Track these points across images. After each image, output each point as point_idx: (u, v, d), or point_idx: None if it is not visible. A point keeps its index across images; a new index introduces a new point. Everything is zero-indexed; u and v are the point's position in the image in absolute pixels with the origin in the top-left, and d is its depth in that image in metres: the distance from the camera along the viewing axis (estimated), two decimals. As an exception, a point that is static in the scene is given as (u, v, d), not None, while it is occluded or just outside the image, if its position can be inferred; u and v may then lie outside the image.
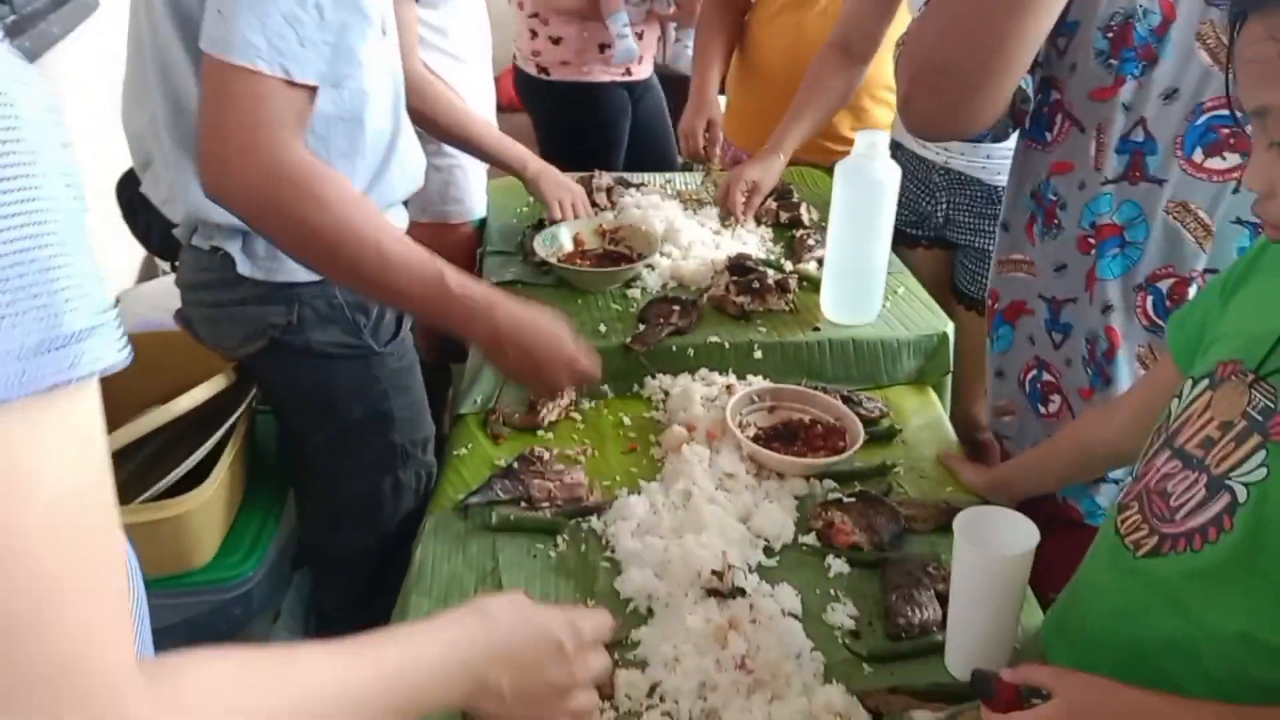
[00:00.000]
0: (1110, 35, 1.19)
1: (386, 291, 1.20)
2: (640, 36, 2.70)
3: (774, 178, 1.98)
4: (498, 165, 1.97)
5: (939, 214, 1.95)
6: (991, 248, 1.87)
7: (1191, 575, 0.87)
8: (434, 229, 2.05)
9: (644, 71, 2.75)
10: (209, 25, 1.07)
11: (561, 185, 1.95)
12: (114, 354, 0.48)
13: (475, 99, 2.05)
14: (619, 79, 2.72)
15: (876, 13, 1.92)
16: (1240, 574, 0.84)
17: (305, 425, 1.43)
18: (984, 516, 1.05)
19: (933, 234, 1.99)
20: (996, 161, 1.85)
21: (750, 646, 1.07)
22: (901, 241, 1.94)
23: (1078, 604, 1.01)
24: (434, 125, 1.85)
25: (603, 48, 2.65)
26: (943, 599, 1.16)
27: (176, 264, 1.42)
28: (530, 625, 0.80)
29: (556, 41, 2.66)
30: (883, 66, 2.05)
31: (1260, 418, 0.84)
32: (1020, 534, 1.02)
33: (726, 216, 2.00)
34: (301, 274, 1.29)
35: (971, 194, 1.91)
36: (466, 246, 2.12)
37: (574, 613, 0.85)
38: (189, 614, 1.34)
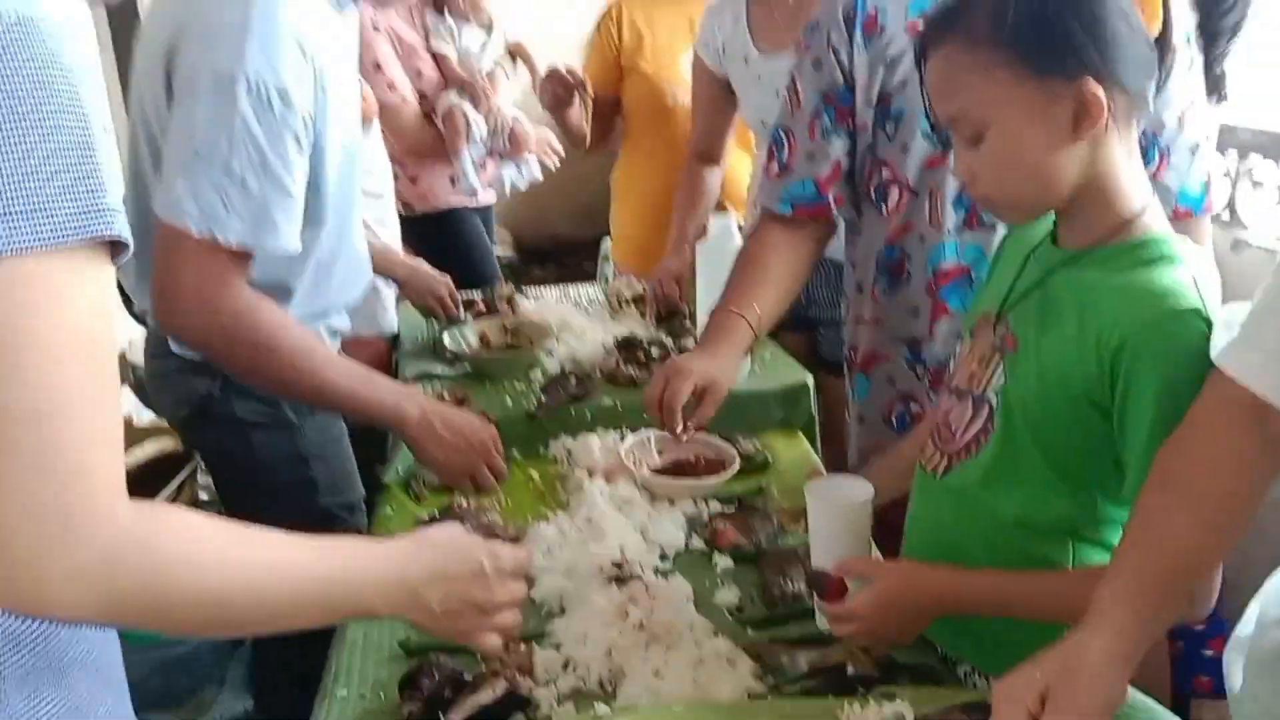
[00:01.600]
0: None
1: (327, 392, 1.44)
2: (483, 167, 2.97)
3: (690, 267, 2.23)
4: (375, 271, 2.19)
5: (801, 296, 2.22)
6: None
7: (975, 479, 1.11)
8: (347, 343, 2.25)
9: (489, 198, 3.04)
10: (160, 192, 1.32)
11: (426, 290, 2.20)
12: (129, 239, 0.70)
13: (386, 232, 2.32)
14: (469, 205, 2.97)
15: (722, 121, 2.28)
16: (1006, 467, 1.08)
17: (237, 487, 1.59)
18: (830, 482, 1.27)
19: (795, 318, 2.25)
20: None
21: (648, 614, 1.25)
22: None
23: (909, 533, 1.23)
24: None
25: (453, 180, 2.92)
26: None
27: None
28: (456, 549, 0.97)
29: (414, 180, 2.91)
30: (738, 172, 2.40)
31: (1000, 343, 1.10)
32: (859, 491, 1.23)
33: (615, 311, 2.30)
34: None
35: (827, 273, 2.18)
36: (379, 359, 2.32)
37: (495, 544, 1.02)
38: (135, 675, 1.44)
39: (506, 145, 2.91)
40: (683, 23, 2.46)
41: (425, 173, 2.89)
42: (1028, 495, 1.08)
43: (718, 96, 2.24)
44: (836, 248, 2.15)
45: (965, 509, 1.13)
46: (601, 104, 2.57)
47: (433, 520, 1.53)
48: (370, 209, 2.21)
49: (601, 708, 1.06)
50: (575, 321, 2.18)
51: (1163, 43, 1.09)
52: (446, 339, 2.06)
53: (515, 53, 3.07)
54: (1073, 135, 1.01)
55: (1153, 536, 0.92)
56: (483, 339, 2.11)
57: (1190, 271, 1.02)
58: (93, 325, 0.68)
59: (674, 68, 2.46)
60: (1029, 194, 1.06)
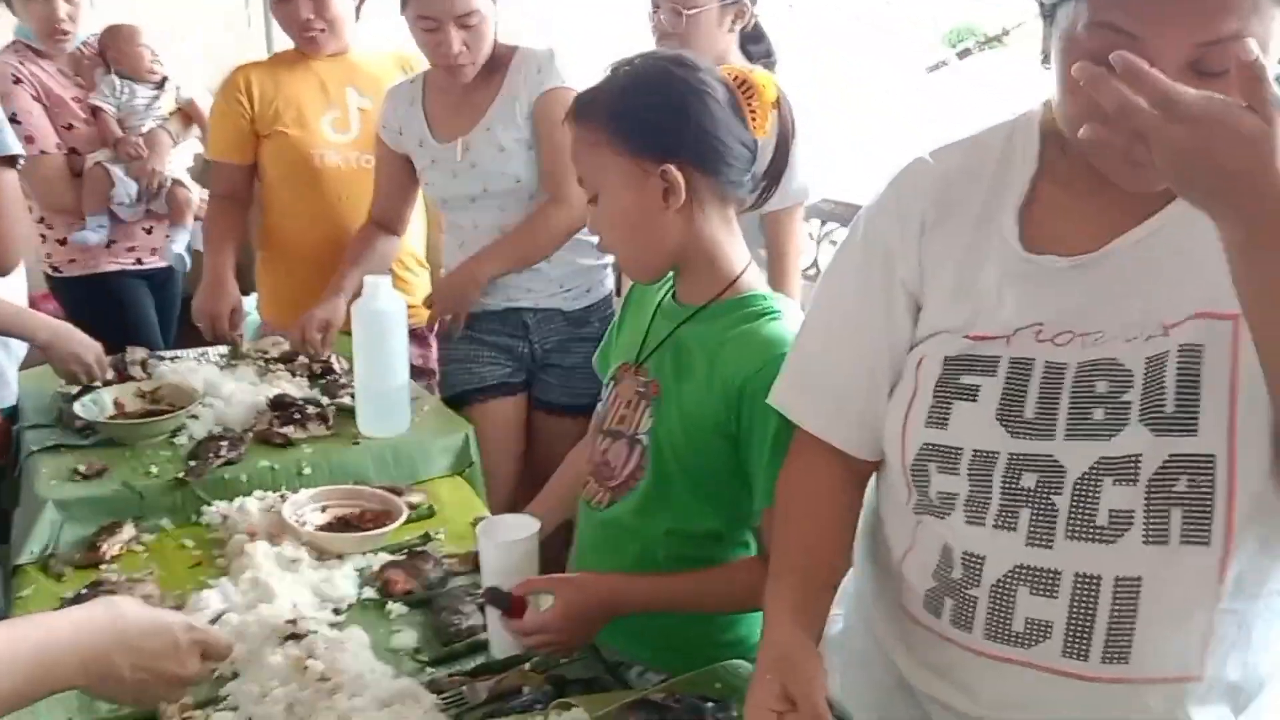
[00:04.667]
0: None
1: None
2: (149, 231, 2.91)
3: (340, 316, 2.25)
4: (10, 334, 2.05)
5: (535, 348, 2.31)
6: (574, 363, 2.24)
7: (633, 509, 1.27)
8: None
9: (157, 261, 2.92)
10: None
11: (71, 356, 2.05)
12: None
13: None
14: (130, 268, 2.87)
15: (402, 195, 2.36)
16: (659, 496, 1.27)
17: None
18: (501, 521, 1.37)
19: (524, 373, 2.33)
20: (572, 290, 2.28)
21: (329, 665, 1.27)
22: (502, 393, 2.30)
23: (576, 561, 1.37)
24: None
25: (111, 243, 2.81)
26: (483, 609, 1.44)
27: None
28: (153, 620, 0.97)
29: (62, 242, 2.80)
30: (411, 239, 2.51)
31: (644, 390, 1.28)
32: (526, 526, 1.34)
33: (295, 357, 2.28)
34: None
35: (557, 323, 2.29)
36: (-2, 434, 2.11)
37: (191, 618, 1.03)
38: None
39: (166, 208, 2.82)
40: (314, 84, 2.49)
41: (74, 234, 2.76)
42: (677, 516, 1.27)
43: (398, 172, 2.32)
44: (564, 296, 2.27)
45: (625, 535, 1.30)
46: (238, 171, 2.53)
47: (78, 596, 1.44)
48: None
49: (293, 758, 1.08)
50: (221, 383, 2.12)
51: (780, 146, 1.31)
52: (78, 408, 1.92)
53: (189, 112, 2.94)
54: (663, 207, 1.23)
55: (784, 561, 1.07)
56: (118, 406, 1.99)
57: (787, 321, 1.25)
58: None
59: (316, 129, 2.47)
60: (637, 252, 1.28)
